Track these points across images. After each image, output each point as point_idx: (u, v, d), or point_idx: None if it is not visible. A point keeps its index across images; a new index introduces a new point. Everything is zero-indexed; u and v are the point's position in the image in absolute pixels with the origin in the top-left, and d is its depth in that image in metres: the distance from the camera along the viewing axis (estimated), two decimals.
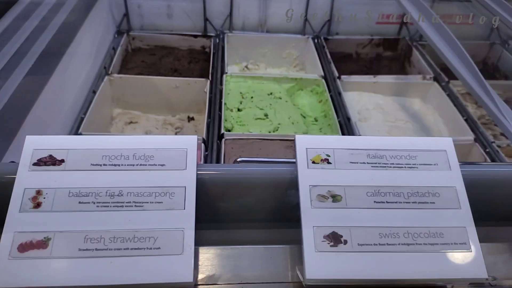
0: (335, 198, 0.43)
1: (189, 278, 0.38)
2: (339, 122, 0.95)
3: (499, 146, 0.92)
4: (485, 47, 1.36)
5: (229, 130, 0.93)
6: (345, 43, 1.34)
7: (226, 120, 0.95)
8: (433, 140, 0.48)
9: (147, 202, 0.41)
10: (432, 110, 1.10)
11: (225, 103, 0.99)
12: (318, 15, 1.29)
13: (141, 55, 1.28)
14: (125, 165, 0.43)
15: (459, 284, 0.42)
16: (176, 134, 1.11)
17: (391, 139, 0.47)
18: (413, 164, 0.46)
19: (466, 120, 0.99)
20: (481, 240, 0.47)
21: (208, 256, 0.44)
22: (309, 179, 0.44)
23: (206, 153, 0.86)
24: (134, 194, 0.42)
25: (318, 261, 0.40)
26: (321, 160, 0.45)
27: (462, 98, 1.10)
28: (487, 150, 0.89)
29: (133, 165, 0.43)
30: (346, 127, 0.94)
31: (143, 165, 0.43)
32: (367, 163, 0.46)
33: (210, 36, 1.29)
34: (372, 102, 1.09)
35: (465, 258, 0.41)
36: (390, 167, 0.46)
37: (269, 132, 0.92)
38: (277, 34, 1.31)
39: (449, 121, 1.03)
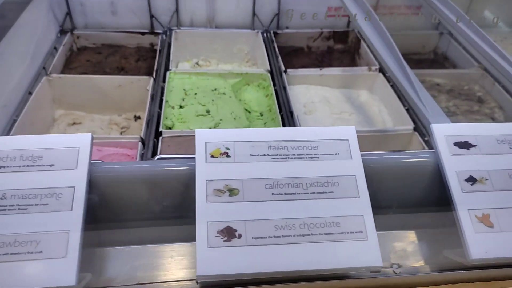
0: (232, 192, 0.43)
1: (72, 282, 0.37)
2: (282, 116, 0.95)
3: None
4: (435, 37, 1.38)
5: (170, 128, 0.92)
6: (295, 36, 1.33)
7: (166, 118, 0.93)
8: (336, 129, 0.47)
9: (32, 205, 0.40)
10: (378, 101, 1.10)
11: (166, 101, 0.97)
12: (267, 9, 1.28)
13: (87, 54, 1.25)
14: (10, 166, 0.41)
15: (356, 273, 0.41)
16: (121, 133, 1.09)
17: (294, 130, 0.47)
18: (314, 154, 0.45)
19: (407, 110, 1.00)
20: (390, 228, 0.47)
21: (104, 257, 0.42)
22: (206, 173, 0.43)
23: (143, 152, 0.84)
24: (18, 196, 0.40)
25: (209, 257, 0.39)
26: (221, 153, 0.45)
27: None
28: (426, 138, 0.90)
29: (19, 166, 0.42)
30: (288, 121, 0.94)
31: (30, 166, 0.42)
32: (268, 155, 0.45)
33: (158, 33, 1.27)
34: (318, 95, 1.09)
35: (360, 246, 0.41)
36: (291, 158, 0.45)
37: (210, 128, 0.91)
38: (227, 30, 1.30)
39: (393, 111, 1.04)
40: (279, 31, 1.30)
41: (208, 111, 0.96)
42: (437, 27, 1.37)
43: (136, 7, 1.24)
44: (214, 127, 0.91)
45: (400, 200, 0.49)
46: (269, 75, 1.08)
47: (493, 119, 1.06)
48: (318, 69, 1.13)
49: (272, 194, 0.43)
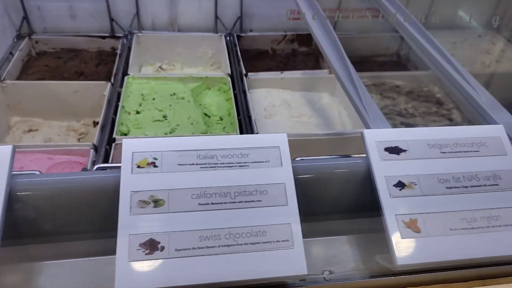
0: (157, 203, 0.42)
1: None
2: (239, 120, 0.94)
3: None
4: (396, 39, 1.40)
5: (125, 134, 0.90)
6: (259, 39, 1.33)
7: (122, 124, 0.92)
8: (267, 136, 0.47)
9: None
10: (338, 103, 1.11)
11: (123, 106, 0.96)
12: (229, 12, 1.27)
13: (46, 59, 1.22)
14: None
15: (288, 282, 0.41)
16: (79, 140, 1.07)
17: (225, 137, 0.46)
18: (244, 163, 0.45)
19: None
20: (323, 234, 0.47)
21: (28, 272, 0.41)
22: (131, 184, 0.42)
23: (95, 159, 0.82)
24: None
25: (130, 271, 0.38)
26: (148, 164, 0.44)
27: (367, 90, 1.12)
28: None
29: None
30: (246, 126, 0.93)
31: None
32: (196, 164, 0.44)
33: (119, 37, 1.25)
34: (279, 98, 1.09)
35: (286, 255, 0.41)
36: (220, 167, 0.44)
37: (166, 134, 0.90)
38: (190, 33, 1.29)
39: (353, 114, 1.05)
40: (242, 34, 1.30)
41: (165, 117, 0.95)
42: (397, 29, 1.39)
43: (95, 11, 1.21)
44: (171, 133, 0.90)
45: (333, 206, 0.49)
46: (229, 79, 1.08)
47: (450, 120, 1.07)
48: (279, 72, 1.13)
49: (199, 204, 0.42)
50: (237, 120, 0.94)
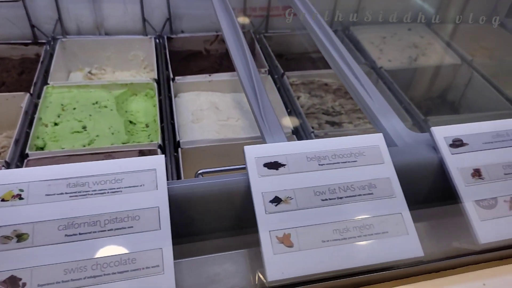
0: (20, 237, 0.41)
1: None
2: (162, 127, 0.93)
3: (316, 136, 0.95)
4: None
5: (41, 148, 0.88)
6: (191, 40, 1.31)
7: (38, 137, 0.89)
8: (142, 160, 0.47)
9: None
10: None
11: (40, 118, 0.93)
12: (158, 13, 1.25)
13: None
14: None
15: None
16: (0, 154, 1.03)
17: (97, 164, 0.46)
18: (117, 188, 0.44)
19: (289, 112, 1.02)
20: (200, 253, 0.47)
21: None
22: None
23: None
24: None
25: None
26: (13, 196, 0.43)
27: (295, 89, 1.14)
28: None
29: None
30: (168, 133, 0.93)
31: None
32: (66, 193, 0.43)
33: (43, 43, 1.20)
34: (208, 101, 1.09)
35: (157, 281, 0.41)
36: (92, 194, 0.44)
37: (84, 146, 0.88)
38: (118, 36, 1.26)
39: (281, 114, 1.06)
40: (173, 36, 1.28)
41: (84, 127, 0.92)
42: (331, 25, 1.41)
43: (14, 17, 1.16)
44: (89, 144, 0.88)
45: (215, 224, 0.49)
46: (155, 84, 1.06)
47: None
48: (207, 75, 1.12)
49: (65, 235, 0.42)
50: (159, 127, 0.93)
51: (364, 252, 0.45)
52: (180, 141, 0.89)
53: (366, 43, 1.35)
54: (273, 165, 0.48)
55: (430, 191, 0.54)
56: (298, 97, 1.12)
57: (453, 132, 0.54)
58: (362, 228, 0.46)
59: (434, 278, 0.48)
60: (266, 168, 0.48)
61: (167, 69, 1.14)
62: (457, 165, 0.52)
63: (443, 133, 0.54)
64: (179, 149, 0.88)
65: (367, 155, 0.51)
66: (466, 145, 0.54)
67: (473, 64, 1.26)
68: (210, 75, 1.12)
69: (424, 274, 0.49)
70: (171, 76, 1.10)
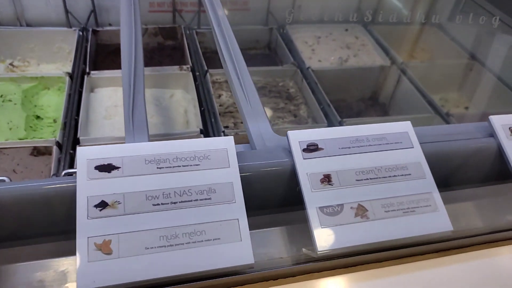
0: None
1: None
2: (65, 124, 0.90)
3: (226, 135, 0.94)
4: (265, 32, 1.40)
5: None
6: (119, 34, 1.28)
7: None
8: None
9: None
10: (190, 101, 1.10)
11: None
12: (82, 5, 1.21)
13: None
14: None
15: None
16: None
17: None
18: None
19: (202, 110, 1.00)
20: None
21: None
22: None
23: None
24: None
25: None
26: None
27: (217, 87, 1.12)
28: None
29: None
30: (69, 129, 0.89)
31: None
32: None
33: None
34: None
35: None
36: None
37: None
38: (41, 28, 1.21)
39: (186, 113, 1.04)
40: (99, 29, 1.24)
41: None
42: (266, 23, 1.39)
43: None
44: None
45: (33, 230, 0.47)
46: (67, 78, 1.03)
47: (295, 116, 1.10)
48: None
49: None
50: (62, 123, 0.90)
51: (192, 259, 0.44)
52: (80, 138, 0.87)
53: (300, 42, 1.34)
54: (106, 168, 0.46)
55: (281, 197, 0.53)
56: (220, 95, 1.10)
57: (309, 137, 0.53)
58: (193, 234, 0.45)
59: (271, 286, 0.47)
60: (97, 170, 0.46)
61: (83, 63, 1.10)
62: (307, 170, 0.51)
63: (298, 137, 0.53)
64: (77, 146, 0.85)
65: (212, 158, 0.49)
66: (321, 150, 0.53)
67: (403, 66, 1.27)
68: None
69: (262, 282, 0.48)
70: (87, 70, 1.06)
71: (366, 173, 0.52)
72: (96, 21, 1.24)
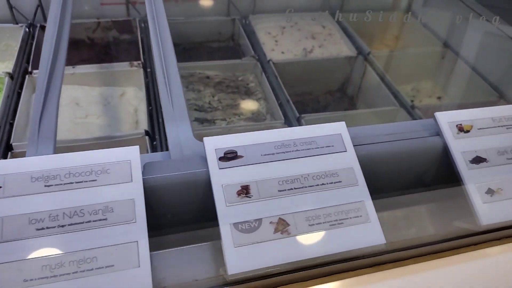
0: None
1: None
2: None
3: None
4: (228, 23, 1.33)
5: None
6: (72, 28, 1.20)
7: None
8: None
9: None
10: (142, 99, 1.03)
11: None
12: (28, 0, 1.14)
13: None
14: None
15: None
16: None
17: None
18: None
19: (151, 110, 0.94)
20: None
21: None
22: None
23: None
24: None
25: None
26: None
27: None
28: (154, 143, 0.85)
29: None
30: (3, 133, 0.83)
31: None
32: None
33: None
34: (70, 96, 1.00)
35: None
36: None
37: None
38: None
39: (136, 112, 0.98)
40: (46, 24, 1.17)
41: None
42: (228, 13, 1.33)
43: None
44: None
45: None
46: (6, 78, 0.96)
47: (253, 112, 1.04)
48: (70, 67, 1.03)
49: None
50: None
51: None
52: (13, 144, 0.81)
53: (263, 33, 1.27)
54: None
55: (197, 212, 0.48)
56: None
57: (228, 143, 0.48)
58: (82, 262, 0.39)
59: None
60: None
61: (28, 61, 1.04)
62: (223, 181, 0.46)
63: (215, 144, 0.48)
64: (9, 153, 0.79)
65: (112, 172, 0.44)
66: (241, 157, 0.47)
67: (370, 56, 1.21)
68: (73, 67, 1.03)
69: None
70: (29, 69, 1.00)
71: (291, 183, 0.47)
72: (44, 17, 1.16)
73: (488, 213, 0.50)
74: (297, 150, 0.49)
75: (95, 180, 0.43)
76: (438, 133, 0.55)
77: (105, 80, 1.06)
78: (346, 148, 0.51)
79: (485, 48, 1.24)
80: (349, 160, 0.50)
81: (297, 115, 0.96)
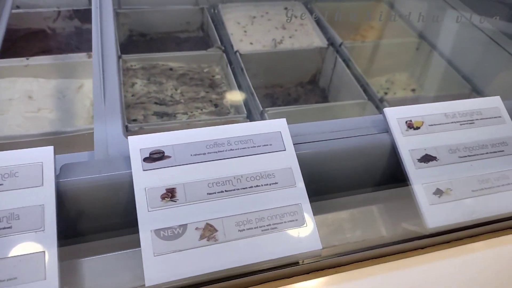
0: None
1: None
2: None
3: (129, 131, 0.84)
4: (197, 12, 1.29)
5: None
6: (30, 17, 1.15)
7: None
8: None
9: None
10: None
11: None
12: None
13: None
14: None
15: None
16: None
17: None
18: None
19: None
20: None
21: None
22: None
23: None
24: None
25: None
26: None
27: (131, 75, 1.02)
28: None
29: None
30: None
31: None
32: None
33: None
34: (22, 89, 0.95)
35: None
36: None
37: None
38: None
39: (90, 106, 0.94)
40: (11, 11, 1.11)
41: None
42: (197, 2, 1.28)
43: None
44: None
45: None
46: None
47: (216, 106, 1.00)
48: (23, 58, 0.98)
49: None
50: None
51: None
52: None
53: (232, 23, 1.23)
54: None
55: (122, 217, 0.45)
56: (133, 84, 1.00)
57: (154, 142, 0.44)
58: None
59: None
60: None
61: None
62: (146, 184, 0.42)
63: (140, 143, 0.44)
64: None
65: (21, 176, 0.40)
66: (168, 158, 0.44)
67: (342, 47, 1.18)
68: (27, 59, 0.98)
69: None
70: None
71: (222, 185, 0.44)
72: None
73: (435, 215, 0.47)
74: (231, 150, 0.46)
75: (1, 184, 0.39)
76: (387, 130, 0.53)
77: (62, 72, 1.01)
78: (285, 147, 0.47)
79: (459, 40, 1.22)
80: (287, 160, 0.47)
81: (261, 108, 0.93)
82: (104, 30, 0.66)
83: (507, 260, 0.48)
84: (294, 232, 0.43)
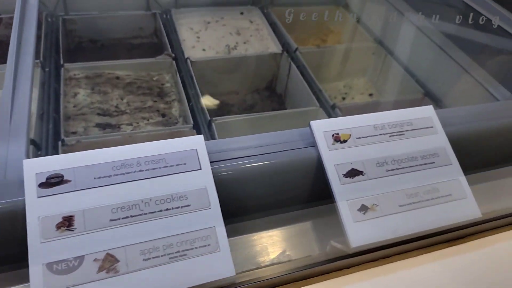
0: None
1: None
2: None
3: (64, 145, 0.80)
4: (149, 18, 1.25)
5: None
6: None
7: None
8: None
9: None
10: (35, 101, 0.94)
11: None
12: None
13: None
14: None
15: None
16: None
17: None
18: None
19: (42, 115, 0.86)
20: None
21: None
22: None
23: None
24: None
25: None
26: None
27: (74, 85, 0.97)
28: (39, 152, 0.77)
29: None
30: None
31: None
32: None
33: None
34: None
35: None
36: None
37: None
38: None
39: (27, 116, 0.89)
40: None
41: None
42: (148, 7, 1.24)
43: None
44: None
45: None
46: None
47: (163, 116, 0.97)
48: None
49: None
50: None
51: None
52: None
53: (185, 29, 1.20)
54: None
55: (9, 250, 0.41)
56: (76, 94, 0.96)
57: (53, 165, 0.41)
58: None
59: None
60: None
61: None
62: (40, 213, 0.39)
63: (36, 166, 0.41)
64: None
65: None
66: (67, 182, 0.41)
67: (296, 53, 1.16)
68: None
69: None
70: None
71: (127, 210, 0.41)
72: None
73: (358, 233, 0.45)
74: (140, 171, 0.43)
75: None
76: (314, 143, 0.50)
77: None
78: (201, 166, 0.45)
79: (412, 44, 1.22)
80: (202, 180, 0.44)
81: (208, 118, 0.90)
82: (24, 38, 0.62)
83: (441, 276, 0.47)
84: (205, 259, 0.40)
